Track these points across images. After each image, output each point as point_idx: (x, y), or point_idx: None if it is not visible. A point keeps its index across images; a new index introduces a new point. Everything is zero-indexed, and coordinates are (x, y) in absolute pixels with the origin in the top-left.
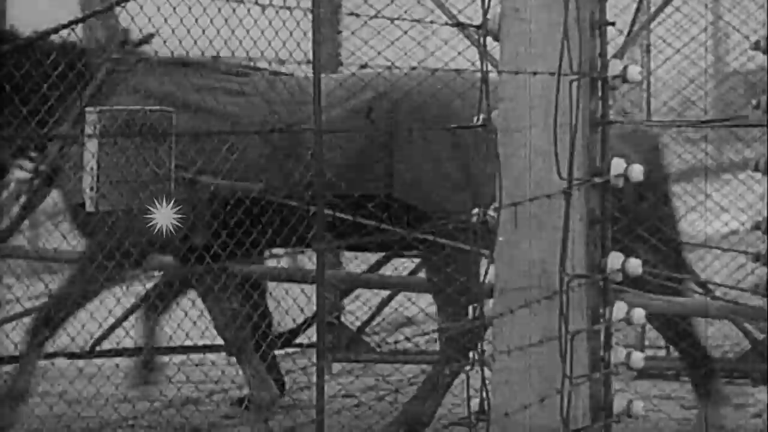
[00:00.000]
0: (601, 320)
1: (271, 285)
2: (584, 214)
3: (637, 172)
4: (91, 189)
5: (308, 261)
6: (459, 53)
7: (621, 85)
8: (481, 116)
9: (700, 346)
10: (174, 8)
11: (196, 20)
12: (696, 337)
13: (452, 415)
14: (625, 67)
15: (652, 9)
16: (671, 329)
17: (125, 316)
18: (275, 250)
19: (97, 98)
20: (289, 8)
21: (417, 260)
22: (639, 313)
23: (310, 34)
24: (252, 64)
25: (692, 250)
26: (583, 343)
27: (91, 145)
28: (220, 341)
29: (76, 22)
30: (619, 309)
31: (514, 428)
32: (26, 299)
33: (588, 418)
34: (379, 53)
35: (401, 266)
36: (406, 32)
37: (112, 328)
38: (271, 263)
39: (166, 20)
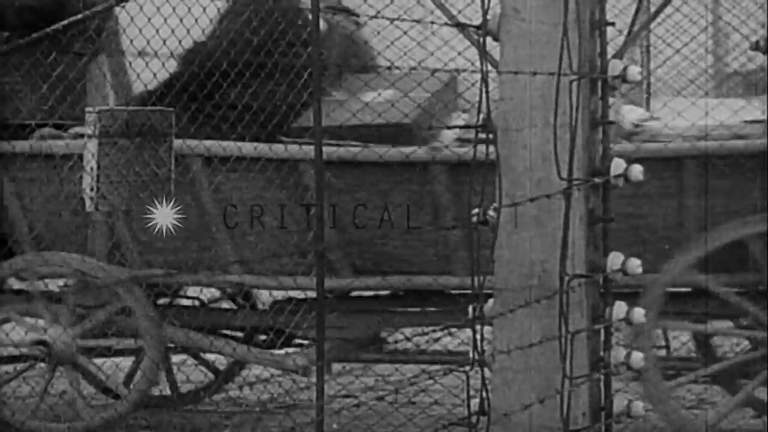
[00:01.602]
0: (601, 320)
1: None
2: (584, 214)
3: (637, 172)
4: (91, 189)
5: None
6: (459, 53)
7: (621, 86)
8: (481, 116)
9: None
10: (174, 8)
11: (196, 20)
12: None
13: (452, 415)
14: (625, 68)
15: (652, 9)
16: None
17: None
18: None
19: None
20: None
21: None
22: (639, 313)
23: None
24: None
25: None
26: (583, 343)
27: (91, 145)
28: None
29: (76, 21)
30: (619, 309)
31: (514, 428)
32: None
33: (588, 418)
34: (378, 53)
35: None
36: (405, 32)
37: None
38: None
39: (165, 20)
